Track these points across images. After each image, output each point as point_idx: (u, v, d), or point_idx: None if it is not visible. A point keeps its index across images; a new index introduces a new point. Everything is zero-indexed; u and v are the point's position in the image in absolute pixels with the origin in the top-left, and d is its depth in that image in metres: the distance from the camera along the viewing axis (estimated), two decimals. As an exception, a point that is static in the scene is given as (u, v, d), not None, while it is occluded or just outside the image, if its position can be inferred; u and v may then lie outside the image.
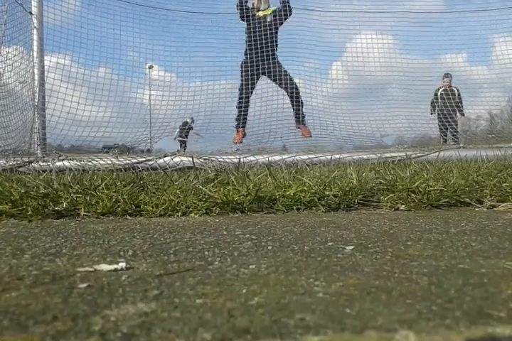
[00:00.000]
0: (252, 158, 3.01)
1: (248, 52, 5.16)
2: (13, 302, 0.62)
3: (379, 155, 3.05)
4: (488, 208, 1.62)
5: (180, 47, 5.18)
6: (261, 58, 5.05)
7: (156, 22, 5.20)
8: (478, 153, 3.05)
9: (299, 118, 4.98)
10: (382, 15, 5.25)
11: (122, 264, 0.82)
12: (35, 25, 4.05)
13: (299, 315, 0.56)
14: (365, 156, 3.09)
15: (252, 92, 5.17)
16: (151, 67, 5.67)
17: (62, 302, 0.62)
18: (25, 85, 3.92)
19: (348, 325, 0.53)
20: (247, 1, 5.20)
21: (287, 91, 5.07)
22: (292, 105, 5.04)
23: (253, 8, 5.22)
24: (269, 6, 5.25)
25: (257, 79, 5.20)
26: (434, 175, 1.90)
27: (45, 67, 4.09)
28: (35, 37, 4.06)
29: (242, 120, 5.13)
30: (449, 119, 6.31)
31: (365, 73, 5.32)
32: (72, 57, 4.34)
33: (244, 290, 0.67)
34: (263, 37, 5.07)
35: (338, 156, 3.08)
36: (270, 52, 5.05)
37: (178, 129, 5.72)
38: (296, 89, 5.08)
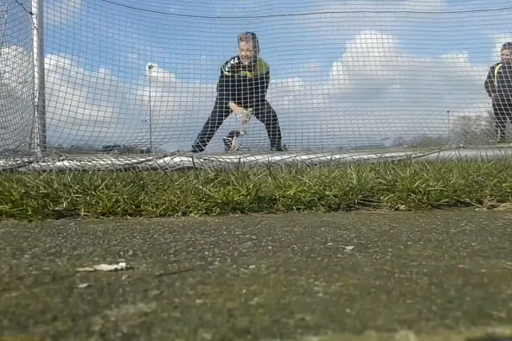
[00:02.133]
0: (252, 158, 3.01)
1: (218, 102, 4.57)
2: (13, 302, 0.62)
3: (379, 155, 3.04)
4: (488, 208, 1.63)
5: (179, 49, 5.14)
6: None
7: (156, 24, 5.17)
8: (478, 153, 3.05)
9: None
10: (383, 14, 5.25)
11: (122, 264, 0.82)
12: (35, 25, 4.05)
13: (299, 315, 0.56)
14: (365, 156, 3.08)
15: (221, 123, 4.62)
16: (151, 67, 5.66)
17: (62, 302, 0.62)
18: (26, 85, 3.92)
19: (348, 325, 0.53)
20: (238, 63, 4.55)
21: (265, 122, 4.57)
22: (269, 135, 4.46)
23: (239, 67, 4.54)
24: (255, 61, 4.57)
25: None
26: (434, 175, 1.90)
27: (46, 67, 4.09)
28: (35, 37, 4.06)
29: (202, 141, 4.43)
30: (508, 107, 4.66)
31: (366, 73, 5.32)
32: (72, 57, 4.33)
33: (244, 290, 0.67)
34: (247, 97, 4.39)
35: (338, 156, 3.07)
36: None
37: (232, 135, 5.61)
38: (276, 120, 4.55)
